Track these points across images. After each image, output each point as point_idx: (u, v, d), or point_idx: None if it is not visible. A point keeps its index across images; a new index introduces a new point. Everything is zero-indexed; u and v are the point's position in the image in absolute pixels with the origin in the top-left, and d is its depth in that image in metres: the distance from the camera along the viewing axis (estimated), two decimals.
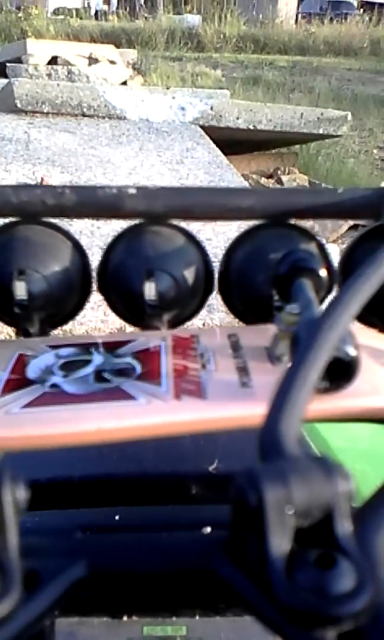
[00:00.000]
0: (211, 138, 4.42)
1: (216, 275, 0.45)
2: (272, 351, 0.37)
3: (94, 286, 0.45)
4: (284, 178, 5.11)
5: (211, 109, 4.69)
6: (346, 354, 0.32)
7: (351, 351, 0.32)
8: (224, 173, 3.79)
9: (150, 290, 0.42)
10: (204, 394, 0.34)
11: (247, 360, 0.37)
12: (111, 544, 0.30)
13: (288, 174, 5.23)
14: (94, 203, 0.42)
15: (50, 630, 0.42)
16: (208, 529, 0.36)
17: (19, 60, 6.82)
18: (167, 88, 5.00)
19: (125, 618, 0.41)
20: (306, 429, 0.60)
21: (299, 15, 17.53)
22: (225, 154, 4.17)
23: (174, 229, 0.44)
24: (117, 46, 8.37)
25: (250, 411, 0.33)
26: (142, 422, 0.33)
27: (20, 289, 0.41)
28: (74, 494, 0.49)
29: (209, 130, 4.59)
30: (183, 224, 0.45)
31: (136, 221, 0.44)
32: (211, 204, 0.43)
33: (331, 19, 14.20)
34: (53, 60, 7.02)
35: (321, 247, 0.44)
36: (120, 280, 0.44)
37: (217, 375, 0.36)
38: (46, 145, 3.91)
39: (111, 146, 4.08)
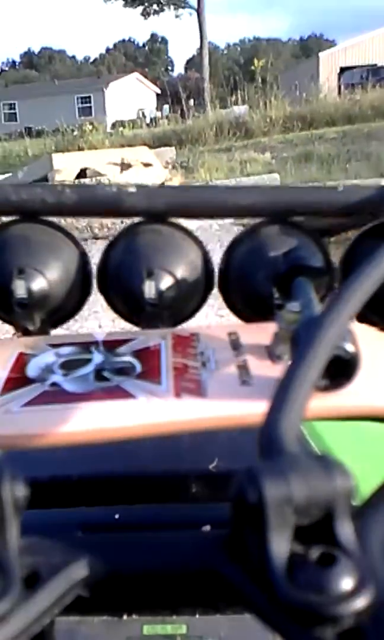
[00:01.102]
0: None
1: (216, 274, 0.45)
2: (273, 349, 0.37)
3: (94, 285, 0.45)
4: None
5: None
6: (346, 352, 0.32)
7: (351, 349, 0.32)
8: None
9: (150, 288, 0.41)
10: (204, 393, 0.34)
11: (248, 359, 0.37)
12: (111, 543, 0.30)
13: None
14: (94, 202, 0.42)
15: (50, 630, 0.42)
16: (208, 527, 0.36)
17: (45, 179, 6.10)
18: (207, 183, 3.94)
19: (125, 617, 0.41)
20: (306, 428, 0.60)
21: (342, 87, 17.11)
22: None
23: (173, 227, 0.44)
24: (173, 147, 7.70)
25: (250, 409, 0.33)
26: (142, 421, 0.33)
27: (20, 288, 0.41)
28: (74, 492, 0.49)
29: None
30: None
31: (136, 220, 0.44)
32: (210, 202, 0.43)
33: (373, 85, 13.78)
34: (82, 173, 6.36)
35: (322, 246, 0.44)
36: (120, 279, 0.44)
37: (217, 374, 0.36)
38: None
39: None
